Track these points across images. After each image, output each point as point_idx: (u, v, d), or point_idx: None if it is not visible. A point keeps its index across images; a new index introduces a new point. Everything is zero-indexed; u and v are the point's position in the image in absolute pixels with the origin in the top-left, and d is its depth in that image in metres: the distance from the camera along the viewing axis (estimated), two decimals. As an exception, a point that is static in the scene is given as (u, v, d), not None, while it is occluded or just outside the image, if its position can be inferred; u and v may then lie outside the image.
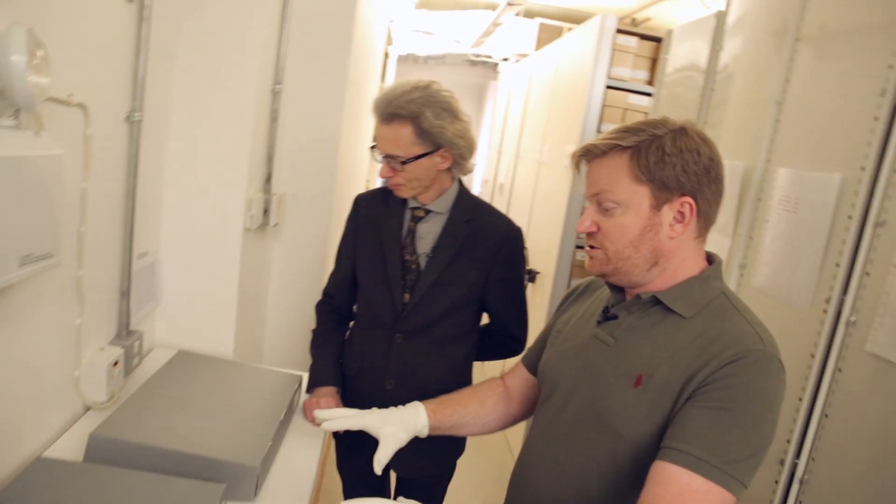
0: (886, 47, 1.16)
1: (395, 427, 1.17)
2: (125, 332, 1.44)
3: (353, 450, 1.64)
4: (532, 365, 1.25)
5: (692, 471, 0.84)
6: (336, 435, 1.66)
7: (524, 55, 4.93)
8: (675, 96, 2.12)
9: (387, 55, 4.81)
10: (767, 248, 1.46)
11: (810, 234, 1.31)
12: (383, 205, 1.55)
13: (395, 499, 1.74)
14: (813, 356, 1.24)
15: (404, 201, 1.54)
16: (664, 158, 0.92)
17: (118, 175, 1.35)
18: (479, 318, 1.60)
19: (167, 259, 1.65)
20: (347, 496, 1.77)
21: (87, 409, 1.32)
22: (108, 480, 1.02)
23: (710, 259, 1.03)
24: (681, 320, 0.96)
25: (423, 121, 1.39)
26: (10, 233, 0.88)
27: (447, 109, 1.43)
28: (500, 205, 5.09)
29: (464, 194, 1.56)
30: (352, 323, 1.68)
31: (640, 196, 0.94)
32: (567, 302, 1.23)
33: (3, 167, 0.86)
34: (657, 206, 0.94)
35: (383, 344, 1.54)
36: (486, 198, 6.11)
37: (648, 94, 2.74)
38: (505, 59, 5.88)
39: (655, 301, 0.98)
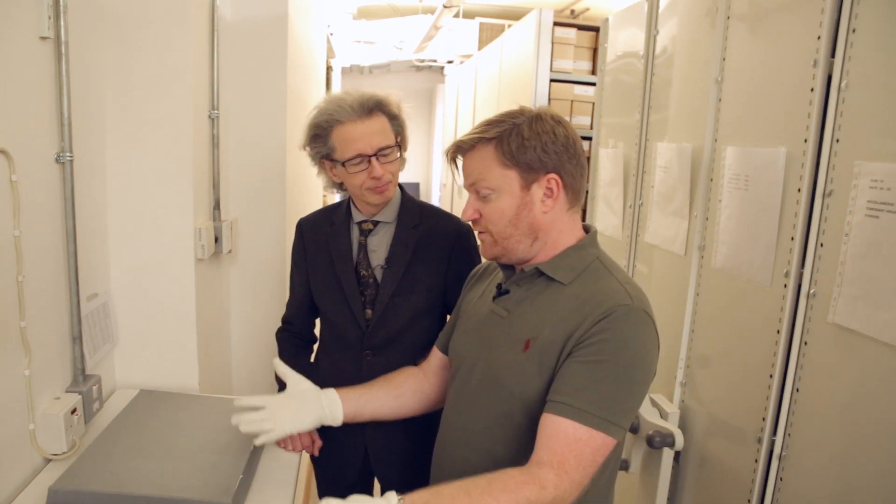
0: (814, 18, 1.18)
1: (300, 415, 1.26)
2: (81, 378, 1.38)
3: (331, 477, 1.61)
4: (443, 346, 1.34)
5: (575, 420, 0.95)
6: (314, 462, 1.62)
7: (468, 56, 4.95)
8: (618, 83, 2.14)
9: (330, 68, 4.76)
10: (724, 227, 1.48)
11: (763, 210, 1.32)
12: (328, 224, 1.53)
13: None
14: (779, 332, 1.25)
15: (349, 217, 1.51)
16: (524, 143, 1.04)
17: (55, 218, 1.29)
18: (444, 322, 1.58)
19: (119, 298, 1.59)
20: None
21: (48, 461, 1.26)
22: (71, 539, 0.97)
23: (588, 230, 1.15)
24: (561, 287, 1.07)
25: (391, 103, 1.44)
26: (-64, 291, 0.83)
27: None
28: (460, 207, 5.10)
29: (407, 199, 1.54)
30: (315, 346, 1.65)
31: (510, 179, 1.06)
32: (469, 284, 1.33)
33: (-78, 223, 0.80)
34: (527, 186, 1.06)
35: (354, 364, 1.51)
36: (445, 201, 6.12)
37: (593, 84, 2.77)
38: (450, 62, 5.90)
39: (539, 273, 1.09)
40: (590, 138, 2.38)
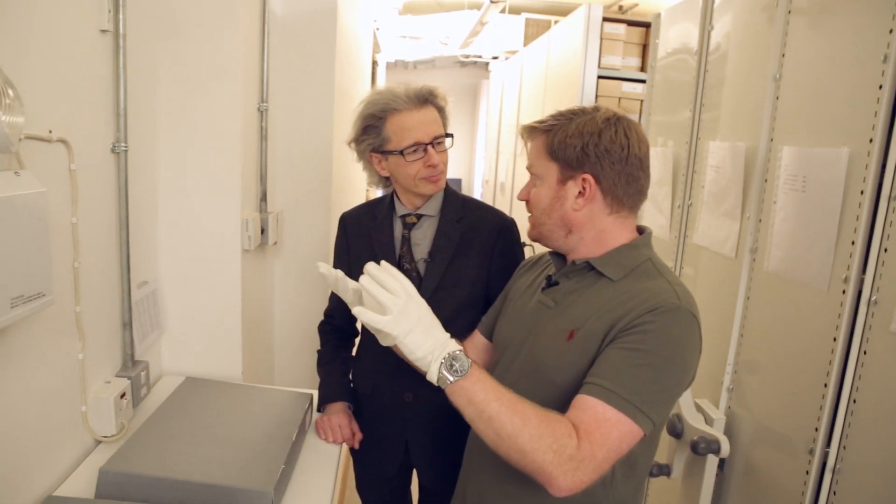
0: (886, 10, 1.13)
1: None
2: (131, 363, 1.42)
3: (371, 470, 1.62)
4: (486, 330, 1.35)
5: (605, 402, 0.95)
6: (354, 455, 1.63)
7: (513, 52, 4.90)
8: (668, 81, 2.09)
9: (375, 63, 4.79)
10: (778, 229, 1.42)
11: (821, 212, 1.27)
12: (370, 219, 1.53)
13: None
14: (835, 339, 1.20)
15: (392, 211, 1.52)
16: (566, 140, 1.06)
17: (109, 207, 1.33)
18: None
19: (168, 286, 1.63)
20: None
21: (98, 442, 1.30)
22: (119, 519, 1.00)
23: (642, 231, 1.15)
24: (610, 282, 1.08)
25: (440, 100, 1.47)
26: (-2, 275, 0.86)
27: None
28: (502, 205, 5.07)
29: (451, 193, 1.53)
30: (357, 339, 1.65)
31: (551, 171, 1.09)
32: (519, 272, 1.34)
33: (-14, 208, 0.83)
34: (563, 181, 1.08)
35: (396, 357, 1.51)
36: (488, 198, 6.11)
37: (642, 81, 2.71)
38: (495, 58, 5.86)
39: (590, 267, 1.10)
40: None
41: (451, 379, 0.94)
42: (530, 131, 1.14)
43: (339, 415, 1.46)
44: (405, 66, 7.12)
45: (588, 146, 1.05)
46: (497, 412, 0.92)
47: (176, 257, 1.62)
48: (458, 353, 0.95)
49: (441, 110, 1.47)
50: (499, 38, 5.26)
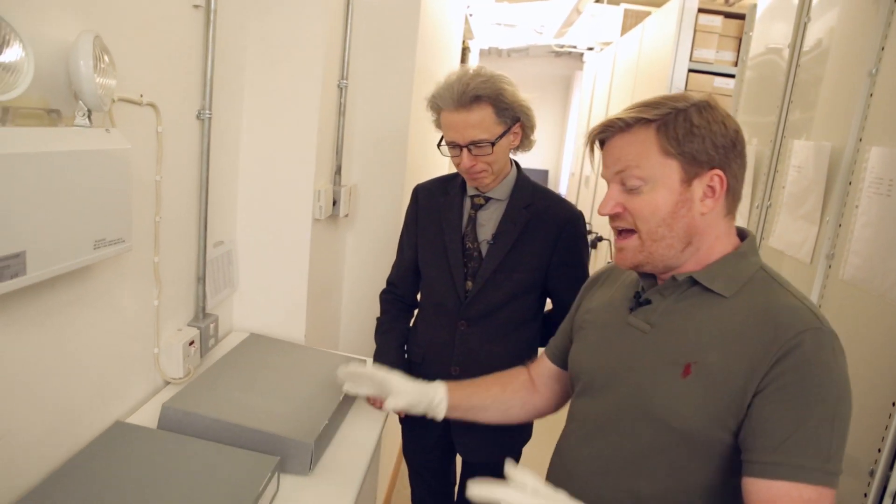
0: None
1: (408, 388, 1.21)
2: (202, 315, 1.53)
3: (418, 436, 1.67)
4: (556, 356, 1.23)
5: (799, 482, 0.80)
6: (402, 422, 1.69)
7: (609, 43, 4.79)
8: (760, 76, 1.99)
9: (467, 49, 4.82)
10: (858, 235, 1.34)
11: (903, 218, 1.19)
12: (442, 194, 1.56)
13: (460, 483, 1.76)
14: (907, 353, 1.12)
15: (464, 190, 1.54)
16: (693, 130, 0.89)
17: (192, 169, 1.43)
18: (542, 303, 1.58)
19: (242, 248, 1.74)
20: (413, 480, 1.81)
21: (167, 383, 1.41)
22: (174, 446, 1.10)
23: (743, 235, 0.98)
24: (722, 300, 0.91)
25: (505, 96, 1.41)
26: (84, 219, 0.96)
27: (513, 83, 1.45)
28: (585, 198, 4.98)
29: (522, 179, 1.54)
30: (416, 311, 1.70)
31: (670, 170, 0.90)
32: (590, 290, 1.19)
33: (76, 160, 0.93)
34: (688, 181, 0.91)
35: (448, 331, 1.55)
36: (572, 191, 5.99)
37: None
38: (590, 49, 5.74)
39: (692, 282, 0.94)
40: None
41: None
42: (625, 125, 0.92)
43: None
44: (499, 54, 7.10)
45: (717, 136, 0.89)
46: None
47: (251, 221, 1.72)
48: None
49: (504, 109, 1.42)
50: (595, 29, 5.15)
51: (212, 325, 1.55)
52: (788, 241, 1.63)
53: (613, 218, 0.97)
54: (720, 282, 0.92)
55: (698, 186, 0.91)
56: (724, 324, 0.89)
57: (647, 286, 1.01)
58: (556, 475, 1.08)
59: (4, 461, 0.95)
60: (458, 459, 1.70)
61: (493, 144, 1.42)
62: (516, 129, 1.47)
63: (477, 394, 1.24)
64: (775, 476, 0.81)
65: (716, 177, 0.91)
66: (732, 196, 0.94)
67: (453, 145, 1.44)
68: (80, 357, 1.10)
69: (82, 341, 1.11)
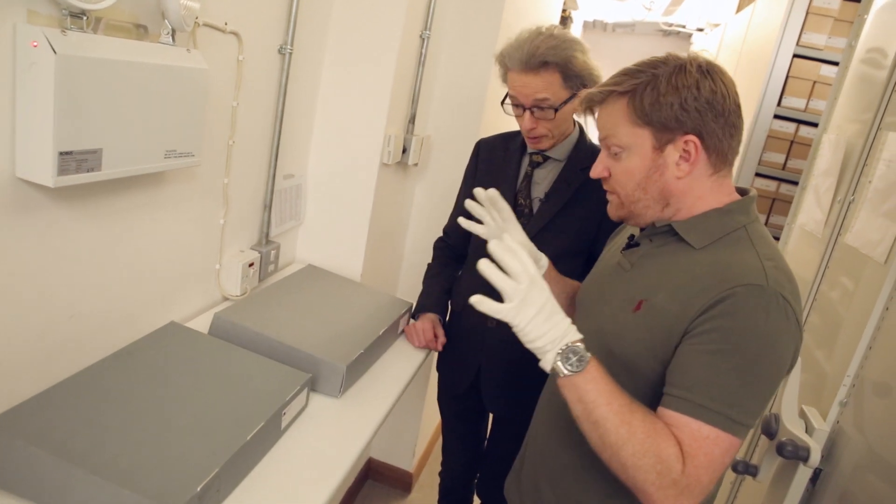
0: None
1: (524, 239, 1.24)
2: (265, 241, 1.63)
3: (445, 384, 1.72)
4: None
5: (698, 419, 0.86)
6: (437, 367, 1.74)
7: (717, 25, 4.55)
8: (865, 64, 1.84)
9: (569, 19, 4.70)
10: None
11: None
12: (502, 149, 1.58)
13: (489, 437, 1.80)
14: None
15: (524, 147, 1.54)
16: (659, 99, 0.92)
17: (269, 101, 1.51)
18: (588, 267, 1.57)
19: (312, 184, 1.82)
20: (445, 428, 1.86)
21: (225, 299, 1.52)
22: (219, 351, 1.19)
23: (744, 194, 1.01)
24: (691, 250, 0.97)
25: (574, 63, 1.39)
26: (158, 129, 1.05)
27: (586, 49, 1.42)
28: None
29: (583, 141, 1.52)
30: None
31: (642, 139, 0.95)
32: (613, 235, 1.28)
33: (157, 73, 1.02)
34: (660, 148, 0.95)
35: (489, 284, 1.57)
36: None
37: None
38: (700, 30, 5.47)
39: (673, 231, 1.00)
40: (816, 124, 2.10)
41: (566, 372, 0.87)
42: (601, 97, 0.98)
43: (426, 322, 1.57)
44: (603, 28, 6.88)
45: (687, 101, 0.91)
46: (604, 417, 0.86)
47: (322, 159, 1.80)
48: (578, 345, 0.88)
49: (573, 77, 1.39)
50: (707, 9, 4.89)
51: (273, 252, 1.64)
52: (865, 239, 1.54)
53: (603, 181, 1.05)
54: (694, 234, 0.97)
55: (672, 152, 0.95)
56: (683, 271, 0.95)
57: (641, 229, 1.09)
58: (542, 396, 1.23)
59: (72, 337, 1.07)
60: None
61: (556, 110, 1.41)
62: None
63: (557, 285, 1.26)
64: (678, 409, 0.87)
65: (690, 142, 0.94)
66: (716, 155, 0.96)
67: (517, 104, 1.44)
68: (147, 256, 1.21)
69: (150, 242, 1.21)
